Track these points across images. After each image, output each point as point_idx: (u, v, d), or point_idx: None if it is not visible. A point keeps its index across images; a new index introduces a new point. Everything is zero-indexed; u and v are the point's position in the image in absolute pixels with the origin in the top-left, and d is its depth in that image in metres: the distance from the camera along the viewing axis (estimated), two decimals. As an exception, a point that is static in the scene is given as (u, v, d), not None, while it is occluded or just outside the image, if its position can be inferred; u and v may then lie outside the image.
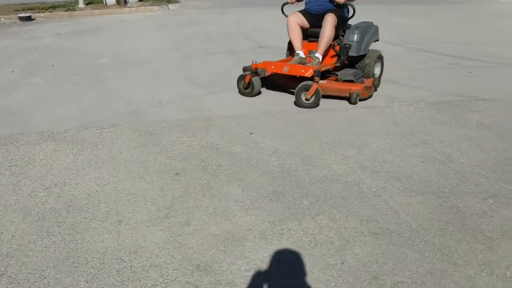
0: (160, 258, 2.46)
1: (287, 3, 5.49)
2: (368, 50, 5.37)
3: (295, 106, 4.87)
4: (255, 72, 5.10)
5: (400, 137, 4.03)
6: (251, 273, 2.34)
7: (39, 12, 13.27)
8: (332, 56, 5.30)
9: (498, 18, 11.26)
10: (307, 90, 4.74)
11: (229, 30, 10.09)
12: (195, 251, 2.50)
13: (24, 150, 3.86)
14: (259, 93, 5.29)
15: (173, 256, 2.47)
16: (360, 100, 4.91)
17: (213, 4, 15.02)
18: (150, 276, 2.32)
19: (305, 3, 5.35)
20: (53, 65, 7.04)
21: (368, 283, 2.26)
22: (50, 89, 5.78)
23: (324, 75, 5.15)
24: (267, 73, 5.19)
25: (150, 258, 2.46)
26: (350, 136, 4.05)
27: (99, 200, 3.05)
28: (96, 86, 5.85)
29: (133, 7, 13.86)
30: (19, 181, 3.34)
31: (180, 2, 15.25)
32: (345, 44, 5.15)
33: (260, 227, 2.71)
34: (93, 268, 2.39)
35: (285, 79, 5.33)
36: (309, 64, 5.03)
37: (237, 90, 5.31)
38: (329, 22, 4.95)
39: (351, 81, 5.03)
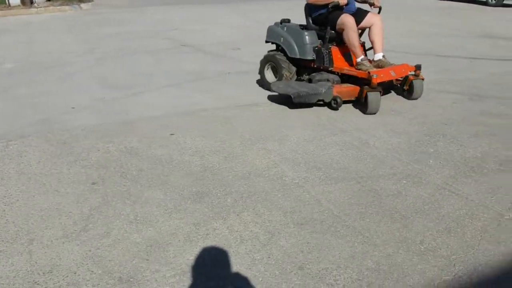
0: (78, 275, 2.32)
1: (338, 4, 4.63)
2: None
3: (216, 104, 4.81)
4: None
5: (320, 128, 4.12)
6: (176, 278, 2.27)
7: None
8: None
9: (415, 11, 11.89)
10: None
11: (147, 29, 9.83)
12: (116, 263, 2.39)
13: None
14: None
15: (92, 271, 2.34)
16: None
17: (128, 2, 14.56)
18: (68, 295, 2.19)
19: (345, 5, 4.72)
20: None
21: (295, 274, 2.28)
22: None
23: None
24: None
25: (67, 276, 2.31)
26: (271, 130, 4.08)
27: (6, 220, 2.82)
28: None
29: (40, 7, 13.01)
30: None
31: (93, 1, 14.61)
32: None
33: (184, 230, 2.64)
34: (3, 294, 2.21)
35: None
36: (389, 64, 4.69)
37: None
38: (380, 20, 4.76)
39: None
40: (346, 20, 4.56)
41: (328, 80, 4.65)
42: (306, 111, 4.55)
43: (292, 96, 4.40)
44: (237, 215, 2.79)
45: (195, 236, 2.60)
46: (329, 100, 4.49)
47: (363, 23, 4.77)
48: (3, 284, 2.28)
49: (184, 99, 5.05)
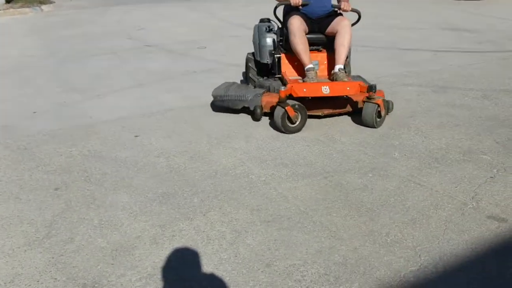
0: (42, 283, 2.26)
1: (288, 3, 4.28)
2: None
3: (182, 103, 4.77)
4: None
5: (272, 124, 4.13)
6: (143, 282, 2.24)
7: None
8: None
9: (377, 2, 12.05)
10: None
11: (110, 29, 9.66)
12: (81, 269, 2.34)
13: None
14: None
15: (56, 278, 2.28)
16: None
17: (90, 3, 14.27)
18: (30, 304, 2.13)
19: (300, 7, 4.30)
20: None
21: (262, 271, 2.28)
22: None
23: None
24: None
25: (30, 285, 2.25)
26: (237, 129, 4.08)
27: (-34, 230, 2.73)
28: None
29: (0, 10, 12.64)
30: None
31: (54, 2, 14.25)
32: None
33: (150, 233, 2.61)
34: (-38, 307, 2.14)
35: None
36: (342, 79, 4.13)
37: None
38: (347, 27, 4.23)
39: None
40: (290, 22, 4.21)
41: (269, 88, 4.31)
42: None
43: (212, 99, 4.33)
44: (204, 215, 2.78)
45: (161, 238, 2.57)
46: (252, 109, 4.16)
47: (329, 29, 4.37)
48: (-39, 296, 2.20)
49: (149, 99, 4.98)
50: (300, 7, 4.27)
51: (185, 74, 6.00)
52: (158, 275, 2.28)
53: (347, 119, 4.19)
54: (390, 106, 4.23)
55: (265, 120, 4.23)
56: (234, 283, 2.21)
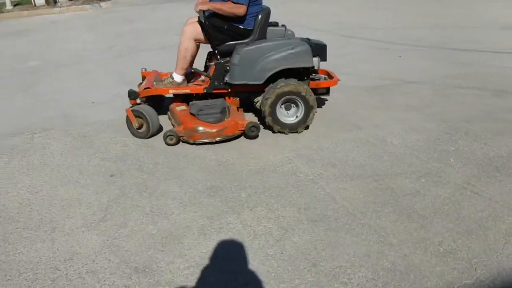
0: (97, 263, 2.38)
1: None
2: (278, 81, 3.83)
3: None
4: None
5: (334, 123, 4.12)
6: (190, 270, 2.31)
7: (-39, 15, 12.47)
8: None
9: (419, 3, 11.73)
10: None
11: (160, 26, 9.92)
12: (133, 253, 2.44)
13: None
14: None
15: (110, 260, 2.40)
16: (197, 144, 3.73)
17: (142, 0, 14.68)
18: (86, 282, 2.25)
19: None
20: (-24, 71, 6.65)
21: (308, 271, 2.30)
22: (-25, 95, 5.46)
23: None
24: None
25: (86, 264, 2.38)
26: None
27: (31, 208, 2.92)
28: (24, 90, 5.58)
29: (63, 6, 13.31)
30: None
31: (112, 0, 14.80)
32: (224, 65, 3.96)
33: (198, 223, 2.69)
34: (26, 280, 2.29)
35: None
36: (156, 83, 4.11)
37: None
38: (184, 32, 3.99)
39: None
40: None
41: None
42: (319, 106, 4.54)
43: None
44: (251, 210, 2.82)
45: (209, 229, 2.63)
46: None
47: None
48: (27, 268, 2.36)
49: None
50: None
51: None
52: (205, 265, 2.35)
53: (398, 121, 4.12)
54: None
55: (315, 118, 4.22)
56: (279, 280, 2.24)
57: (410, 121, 4.13)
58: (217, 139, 3.68)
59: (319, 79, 4.26)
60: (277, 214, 2.77)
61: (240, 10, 3.82)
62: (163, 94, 4.17)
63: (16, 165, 3.53)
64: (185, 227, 2.65)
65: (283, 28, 4.28)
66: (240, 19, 3.91)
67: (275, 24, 4.36)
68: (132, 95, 4.01)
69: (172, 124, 3.98)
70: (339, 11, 11.05)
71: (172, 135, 3.68)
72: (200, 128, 3.65)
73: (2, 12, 13.03)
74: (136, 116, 3.86)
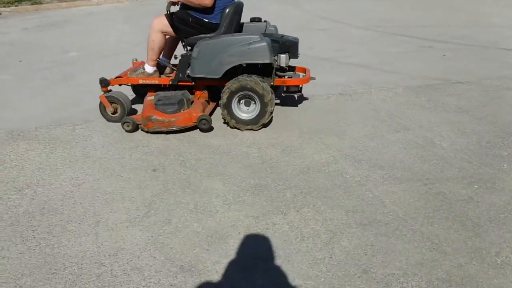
0: (142, 260, 2.34)
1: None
2: (237, 77, 3.80)
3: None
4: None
5: (380, 124, 3.99)
6: (237, 271, 2.25)
7: (4, 7, 12.78)
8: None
9: (468, 1, 11.36)
10: None
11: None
12: (178, 251, 2.40)
13: (-8, 150, 3.66)
14: None
15: (155, 257, 2.36)
16: (154, 132, 3.85)
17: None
18: (132, 279, 2.21)
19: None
20: (20, 61, 6.76)
21: (359, 277, 2.20)
22: (18, 85, 5.54)
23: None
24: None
25: (131, 260, 2.34)
26: (329, 124, 3.99)
27: (74, 200, 2.91)
28: (65, 81, 5.63)
29: (101, -2, 13.49)
30: (-12, 184, 3.17)
31: (148, -9, 14.89)
32: (186, 57, 3.98)
33: (243, 223, 2.62)
34: (71, 274, 2.27)
35: None
36: (129, 73, 4.26)
37: None
38: (152, 25, 4.02)
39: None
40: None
41: None
42: (364, 105, 4.41)
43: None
44: (297, 211, 2.74)
45: (255, 229, 2.56)
46: None
47: None
48: (72, 262, 2.34)
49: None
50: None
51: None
52: (252, 267, 2.28)
53: (446, 122, 3.95)
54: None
55: (359, 117, 4.11)
56: (329, 285, 2.15)
57: (459, 123, 3.96)
58: (169, 129, 3.77)
59: (291, 77, 4.15)
60: (324, 216, 2.67)
61: (206, 1, 3.78)
62: (134, 84, 4.31)
63: (59, 156, 3.54)
64: (230, 226, 2.59)
65: (264, 23, 4.26)
66: (206, 12, 3.86)
67: (258, 20, 4.34)
68: (103, 82, 4.15)
69: None
70: (386, 8, 10.80)
71: (128, 122, 3.85)
72: (153, 117, 3.75)
73: (42, 3, 13.28)
74: (111, 102, 4.12)
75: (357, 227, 2.58)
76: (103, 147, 3.66)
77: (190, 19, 3.88)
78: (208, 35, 3.89)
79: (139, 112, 4.17)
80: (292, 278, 2.20)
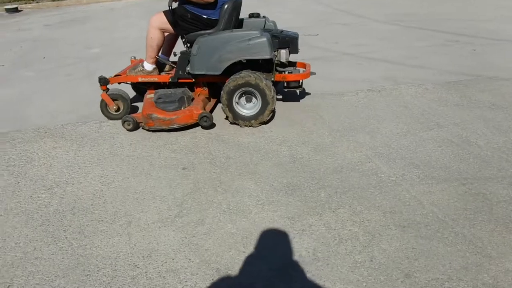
0: (177, 262, 2.29)
1: None
2: (239, 73, 3.76)
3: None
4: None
5: (413, 121, 3.88)
6: (274, 275, 2.19)
7: (25, 3, 12.89)
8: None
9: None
10: None
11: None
12: (213, 253, 2.34)
13: (21, 148, 3.65)
14: None
15: (190, 259, 2.31)
16: (155, 130, 3.82)
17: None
18: (167, 282, 2.16)
19: None
20: (44, 57, 6.79)
21: (402, 282, 2.12)
22: (43, 82, 5.55)
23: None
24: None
25: (166, 262, 2.29)
26: (360, 122, 3.89)
27: (105, 200, 2.88)
28: (89, 78, 5.62)
29: (121, -6, 13.51)
30: (19, 182, 3.16)
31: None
32: (186, 54, 3.95)
33: (279, 224, 2.55)
34: (105, 276, 2.23)
35: None
36: (129, 71, 4.21)
37: None
38: (150, 22, 3.95)
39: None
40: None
41: None
42: (394, 101, 4.30)
43: None
44: (333, 211, 2.66)
45: (291, 231, 2.50)
46: None
47: None
48: (105, 264, 2.30)
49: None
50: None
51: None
52: (289, 269, 2.22)
53: (481, 119, 3.82)
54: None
55: (390, 114, 4.00)
56: (372, 290, 2.08)
57: (494, 120, 3.82)
58: (170, 127, 3.73)
59: (291, 72, 4.07)
60: (361, 218, 2.59)
61: None
62: (133, 81, 4.22)
63: (86, 154, 3.52)
64: (265, 227, 2.52)
65: (263, 19, 4.21)
66: (205, 8, 3.81)
67: (257, 16, 4.30)
68: (102, 81, 4.08)
69: None
70: (408, 1, 10.60)
71: (129, 121, 3.81)
72: (154, 115, 3.71)
73: (62, 0, 13.36)
74: (113, 99, 4.10)
75: (396, 229, 2.49)
76: (131, 144, 3.62)
77: (189, 15, 3.83)
78: (208, 31, 3.85)
79: (139, 110, 4.17)
80: (333, 282, 2.13)
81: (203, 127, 3.83)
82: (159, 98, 3.78)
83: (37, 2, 13.06)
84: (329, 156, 3.31)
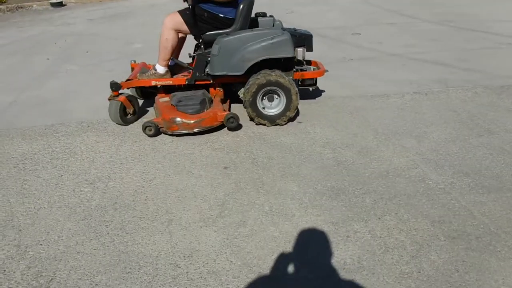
0: (218, 263, 2.26)
1: None
2: (260, 72, 3.72)
3: (342, 92, 4.58)
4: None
5: (462, 126, 3.72)
6: (319, 282, 2.12)
7: (69, -3, 13.18)
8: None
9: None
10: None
11: (261, 10, 9.76)
12: (255, 256, 2.30)
13: (65, 141, 3.71)
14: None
15: (231, 261, 2.27)
16: (178, 135, 3.69)
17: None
18: (209, 284, 2.13)
19: None
20: (87, 52, 6.91)
21: (452, 296, 2.02)
22: (86, 76, 5.65)
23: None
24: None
25: (207, 263, 2.27)
26: (406, 125, 3.77)
27: (146, 196, 2.88)
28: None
29: (162, -11, 13.64)
30: (62, 175, 3.20)
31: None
32: (204, 56, 3.86)
33: (323, 229, 2.49)
34: (146, 274, 2.22)
35: None
36: (139, 75, 4.06)
37: None
38: (164, 22, 3.87)
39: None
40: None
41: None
42: (442, 105, 4.15)
43: None
44: (379, 218, 2.57)
45: (335, 236, 2.43)
46: None
47: None
48: (146, 262, 2.29)
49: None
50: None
51: (342, 61, 5.78)
52: (335, 277, 2.15)
53: (537, 128, 3.63)
54: None
55: (438, 118, 3.86)
56: (421, 304, 1.99)
57: (550, 127, 3.63)
58: (195, 130, 3.62)
59: (305, 70, 4.00)
60: (408, 226, 2.49)
61: None
62: (145, 86, 4.04)
63: (128, 149, 3.54)
64: (309, 232, 2.46)
65: (271, 18, 4.17)
66: (222, 7, 3.74)
67: (263, 15, 4.27)
68: (114, 86, 3.89)
69: (156, 116, 3.89)
70: (457, 1, 10.26)
71: (150, 126, 3.64)
72: (178, 119, 3.59)
73: (105, -5, 13.58)
74: (131, 102, 4.00)
75: (445, 240, 2.38)
76: (172, 141, 3.62)
77: (206, 14, 3.75)
78: (226, 30, 3.79)
79: (148, 114, 4.16)
80: (379, 293, 2.05)
81: (230, 129, 3.77)
82: (180, 101, 3.71)
83: (82, -3, 13.35)
84: (374, 160, 3.21)
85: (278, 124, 3.80)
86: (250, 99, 3.70)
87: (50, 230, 2.60)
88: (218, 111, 3.72)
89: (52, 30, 9.02)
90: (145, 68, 4.19)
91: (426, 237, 2.41)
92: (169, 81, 3.98)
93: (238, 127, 3.79)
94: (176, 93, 3.89)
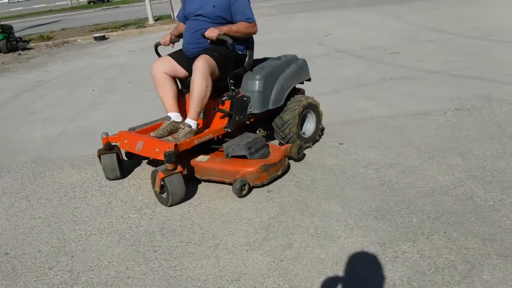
0: (266, 286, 2.28)
1: (159, 44, 3.98)
2: (290, 100, 3.71)
3: (383, 112, 4.56)
4: (107, 148, 3.62)
5: (508, 141, 3.63)
6: (368, 304, 2.10)
7: (112, 31, 13.80)
8: (223, 117, 3.55)
9: None
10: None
11: (298, 35, 9.90)
12: (303, 279, 2.30)
13: (113, 170, 3.84)
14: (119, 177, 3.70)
15: (279, 284, 2.28)
16: (256, 187, 3.26)
17: (276, 11, 14.92)
18: (258, 307, 2.15)
19: (182, 44, 3.78)
20: (130, 82, 7.18)
21: (509, 318, 1.96)
22: (130, 106, 5.86)
23: (211, 146, 3.55)
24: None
25: (255, 286, 2.29)
26: (450, 143, 3.70)
27: (192, 221, 2.94)
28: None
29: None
30: (110, 202, 3.32)
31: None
32: (240, 97, 3.52)
33: (369, 250, 2.47)
34: (196, 298, 2.26)
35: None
36: (173, 138, 3.34)
37: None
38: (198, 70, 3.29)
39: (244, 156, 3.29)
40: (152, 66, 3.66)
41: None
42: (486, 120, 4.05)
43: None
44: (427, 238, 2.53)
45: (383, 257, 2.40)
46: None
47: None
48: (195, 286, 2.34)
49: (346, 106, 4.88)
50: (171, 45, 3.93)
51: (381, 81, 5.76)
52: (385, 300, 2.12)
53: None
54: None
55: (482, 134, 3.77)
56: (477, 325, 1.93)
57: None
58: (279, 173, 3.31)
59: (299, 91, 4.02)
60: (458, 245, 2.44)
61: (255, 29, 3.61)
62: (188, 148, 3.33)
63: (173, 175, 3.62)
64: (356, 253, 2.45)
65: None
66: (240, 44, 3.60)
67: None
68: (170, 157, 3.03)
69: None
70: (494, 14, 10.10)
71: (245, 185, 3.15)
72: (265, 166, 3.21)
73: (145, 27, 14.14)
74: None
75: (498, 259, 2.32)
76: (215, 166, 3.68)
77: (232, 53, 3.48)
78: (242, 67, 3.63)
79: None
80: (432, 315, 2.01)
81: (296, 160, 3.59)
82: (249, 148, 3.27)
83: (122, 30, 13.93)
84: (419, 179, 3.17)
85: (317, 141, 3.91)
86: (296, 131, 3.67)
87: (101, 255, 2.69)
88: (277, 147, 3.52)
89: (96, 62, 9.44)
90: (162, 128, 3.46)
91: (478, 256, 2.35)
92: (209, 135, 3.45)
93: (303, 157, 3.68)
94: (228, 142, 3.41)
